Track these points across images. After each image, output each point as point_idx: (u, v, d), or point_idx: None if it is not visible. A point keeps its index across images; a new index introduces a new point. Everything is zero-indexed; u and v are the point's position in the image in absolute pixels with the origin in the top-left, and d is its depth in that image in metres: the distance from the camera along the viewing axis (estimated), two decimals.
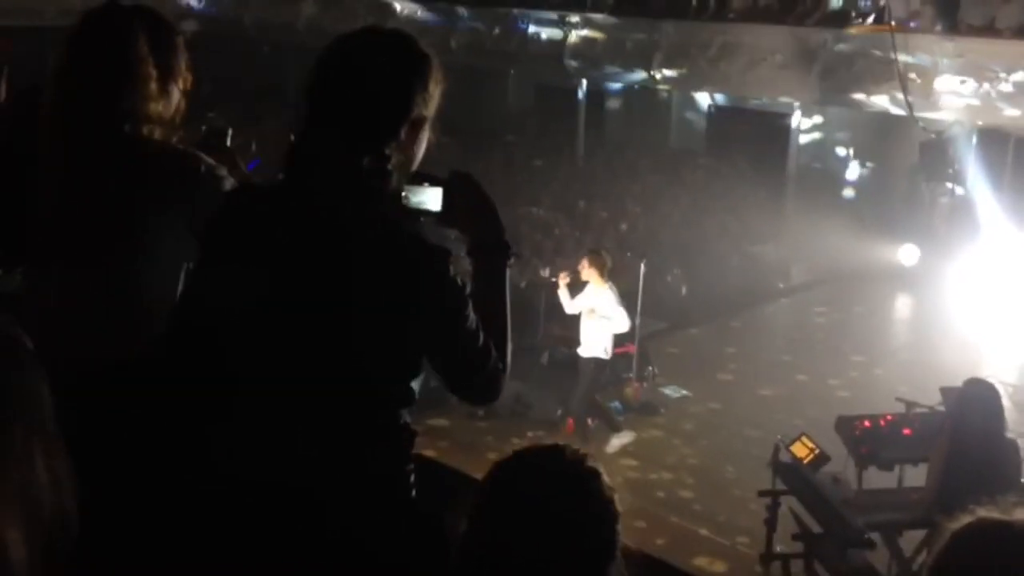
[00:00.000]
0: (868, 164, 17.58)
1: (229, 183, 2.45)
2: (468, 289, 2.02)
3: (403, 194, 2.06)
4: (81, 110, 2.41)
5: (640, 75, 17.10)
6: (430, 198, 2.08)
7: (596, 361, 9.52)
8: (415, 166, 2.10)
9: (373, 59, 2.03)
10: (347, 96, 1.99)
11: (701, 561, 7.34)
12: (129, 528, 2.12)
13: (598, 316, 9.35)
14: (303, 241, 1.98)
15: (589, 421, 9.65)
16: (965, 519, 1.63)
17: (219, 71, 20.66)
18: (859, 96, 14.57)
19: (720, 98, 18.51)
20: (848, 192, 17.52)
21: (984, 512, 1.62)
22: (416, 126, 2.06)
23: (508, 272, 2.14)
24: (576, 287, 9.48)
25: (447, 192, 2.08)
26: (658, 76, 16.73)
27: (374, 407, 2.02)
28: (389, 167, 1.99)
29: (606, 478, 1.56)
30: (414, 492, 2.08)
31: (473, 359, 2.02)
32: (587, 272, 9.38)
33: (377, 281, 1.94)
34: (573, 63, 17.59)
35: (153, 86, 2.45)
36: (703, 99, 18.88)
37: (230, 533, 1.99)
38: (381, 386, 2.01)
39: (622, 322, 9.43)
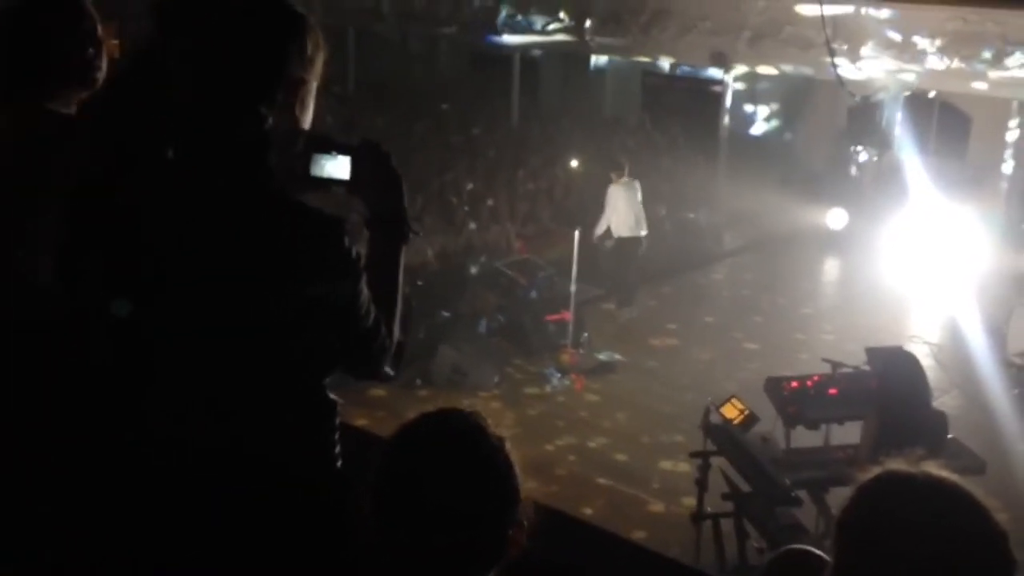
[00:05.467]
0: (798, 130, 17.82)
1: None
2: (362, 261, 1.98)
3: (311, 162, 2.01)
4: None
5: (573, 42, 17.12)
6: (338, 167, 2.02)
7: None
8: (303, 129, 2.04)
9: (242, 19, 1.96)
10: (216, 57, 1.93)
11: (635, 525, 7.46)
12: (59, 488, 2.13)
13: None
14: (190, 222, 1.94)
15: None
16: (872, 472, 1.68)
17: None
18: (788, 62, 14.75)
19: (653, 65, 18.60)
20: (778, 158, 17.76)
21: (892, 465, 1.66)
22: (294, 87, 1.98)
23: (403, 250, 2.09)
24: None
25: (355, 161, 2.03)
26: (591, 43, 16.76)
27: (287, 379, 2.00)
28: (266, 128, 1.94)
29: (493, 429, 1.67)
30: (339, 463, 2.10)
31: (363, 333, 2.00)
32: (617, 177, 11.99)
33: (266, 254, 1.91)
34: (505, 30, 17.55)
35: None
36: (637, 66, 18.97)
37: (149, 505, 2.00)
38: (290, 360, 1.98)
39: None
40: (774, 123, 18.18)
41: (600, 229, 12.00)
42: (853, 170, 16.32)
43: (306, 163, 2.01)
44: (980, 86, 13.37)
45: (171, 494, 2.00)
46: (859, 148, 16.09)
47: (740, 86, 17.30)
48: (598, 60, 19.01)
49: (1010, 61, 12.86)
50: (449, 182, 14.32)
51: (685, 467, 7.41)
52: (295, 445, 2.03)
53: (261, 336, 1.94)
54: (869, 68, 13.95)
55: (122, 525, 2.03)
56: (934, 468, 1.64)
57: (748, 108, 18.16)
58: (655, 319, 12.19)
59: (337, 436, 2.11)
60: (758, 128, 18.17)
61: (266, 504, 1.99)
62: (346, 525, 2.04)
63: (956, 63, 13.28)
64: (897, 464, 1.66)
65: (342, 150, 2.03)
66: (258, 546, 2.00)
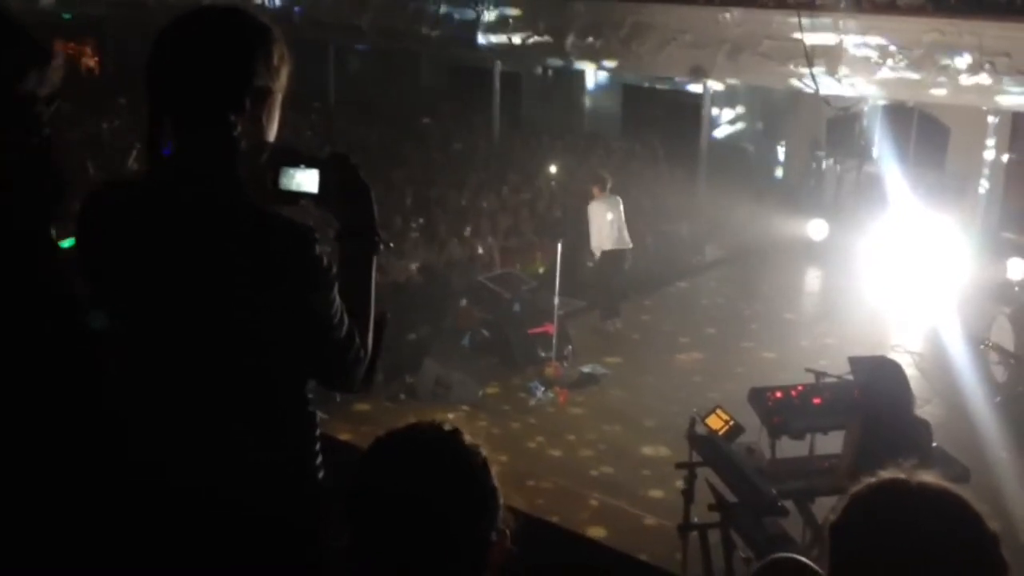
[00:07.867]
0: (778, 141, 17.91)
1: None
2: (334, 271, 1.98)
3: (280, 175, 2.00)
4: None
5: (553, 56, 17.18)
6: (307, 179, 2.02)
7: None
8: (268, 139, 2.04)
9: (207, 30, 1.98)
10: (184, 68, 1.94)
11: (622, 535, 7.45)
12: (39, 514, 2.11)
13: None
14: (165, 235, 1.94)
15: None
16: (867, 480, 1.69)
17: (125, 55, 20.09)
18: (767, 74, 14.83)
19: (634, 79, 18.67)
20: (758, 170, 17.85)
21: (886, 474, 1.68)
22: (261, 97, 1.99)
23: (375, 261, 2.09)
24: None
25: (324, 173, 2.02)
26: (571, 56, 16.82)
27: (268, 393, 2.00)
28: (235, 135, 1.94)
29: (466, 436, 1.66)
30: (321, 474, 2.09)
31: (336, 343, 1.99)
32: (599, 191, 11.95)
33: (238, 265, 1.91)
34: (486, 44, 17.60)
35: None
36: (617, 80, 19.04)
37: (136, 526, 1.99)
38: (268, 372, 1.98)
39: None
40: (753, 134, 18.26)
41: (595, 245, 11.95)
42: (833, 181, 16.41)
43: (275, 176, 2.01)
44: (957, 97, 13.46)
45: (154, 503, 1.99)
46: (839, 159, 16.19)
47: (720, 98, 17.39)
48: (579, 73, 19.05)
49: (987, 72, 12.95)
50: (432, 197, 14.33)
51: (671, 477, 7.39)
52: (275, 455, 2.02)
53: (235, 345, 1.94)
54: (847, 79, 14.04)
55: (111, 532, 2.02)
56: (928, 476, 1.67)
57: (728, 119, 18.24)
58: (638, 331, 12.20)
59: (318, 447, 2.11)
60: (737, 140, 18.23)
61: (247, 514, 1.99)
62: (326, 535, 2.03)
63: (933, 74, 13.38)
64: (890, 473, 1.68)
65: (310, 163, 2.02)
66: (238, 556, 1.99)
